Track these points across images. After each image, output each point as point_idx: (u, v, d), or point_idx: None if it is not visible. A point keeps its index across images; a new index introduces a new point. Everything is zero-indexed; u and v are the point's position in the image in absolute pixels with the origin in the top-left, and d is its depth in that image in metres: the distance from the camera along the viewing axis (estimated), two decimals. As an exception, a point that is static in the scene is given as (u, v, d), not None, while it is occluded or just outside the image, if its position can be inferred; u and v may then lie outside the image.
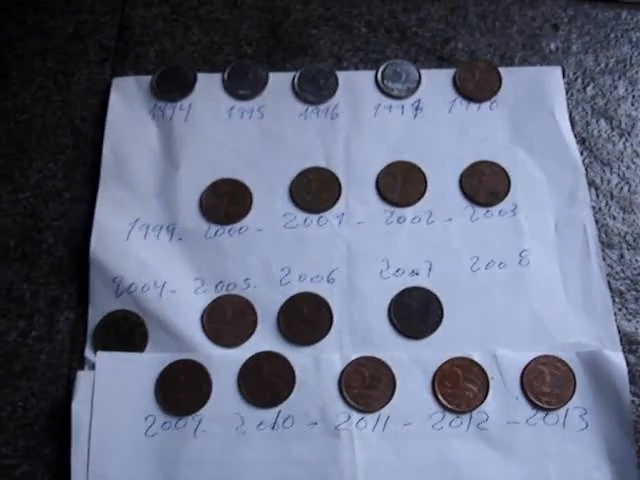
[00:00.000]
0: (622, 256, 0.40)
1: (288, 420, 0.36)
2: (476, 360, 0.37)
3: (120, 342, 0.38)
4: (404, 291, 0.39)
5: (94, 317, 0.39)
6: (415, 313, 0.39)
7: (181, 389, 0.37)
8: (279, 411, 0.36)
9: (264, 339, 0.38)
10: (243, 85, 0.44)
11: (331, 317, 0.39)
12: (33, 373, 0.38)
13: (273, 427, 0.36)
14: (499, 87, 0.44)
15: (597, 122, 0.44)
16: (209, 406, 0.37)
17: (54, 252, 0.41)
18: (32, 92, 0.45)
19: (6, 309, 0.39)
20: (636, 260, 0.40)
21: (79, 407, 0.36)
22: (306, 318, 0.39)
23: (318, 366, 0.37)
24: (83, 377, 0.37)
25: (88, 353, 0.38)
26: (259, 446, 0.36)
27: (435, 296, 0.39)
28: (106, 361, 0.37)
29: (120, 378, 0.37)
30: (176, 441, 0.36)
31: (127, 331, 0.38)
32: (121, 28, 0.47)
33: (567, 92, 0.44)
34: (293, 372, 0.37)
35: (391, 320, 0.39)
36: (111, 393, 0.37)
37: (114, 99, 0.44)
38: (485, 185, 0.42)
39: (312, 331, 0.39)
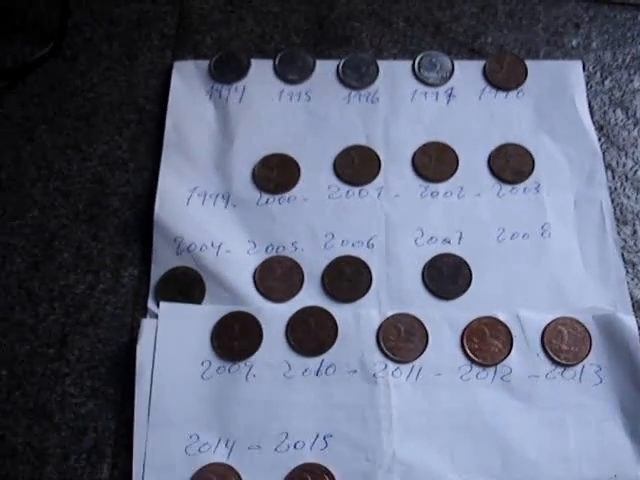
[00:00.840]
0: (635, 232, 0.44)
1: (330, 368, 0.40)
2: (501, 319, 0.41)
3: (180, 295, 0.41)
4: (436, 257, 0.43)
5: (156, 273, 0.42)
6: (446, 276, 0.42)
7: (234, 338, 0.40)
8: (322, 360, 0.40)
9: (309, 296, 0.42)
10: (292, 70, 0.48)
11: (370, 278, 0.42)
12: (100, 322, 0.41)
13: (317, 374, 0.39)
14: (525, 78, 0.48)
15: (614, 112, 0.48)
16: (260, 353, 0.40)
17: (119, 215, 0.44)
18: (99, 72, 0.49)
19: (75, 265, 0.43)
20: (647, 236, 0.44)
21: (143, 351, 0.39)
22: (348, 278, 0.42)
23: (358, 320, 0.41)
24: (147, 324, 0.40)
25: (151, 305, 0.41)
26: (304, 390, 0.39)
27: (465, 262, 0.42)
28: (168, 311, 0.41)
29: (180, 327, 0.40)
30: (229, 384, 0.39)
31: (186, 286, 0.42)
32: (181, 17, 0.51)
33: (587, 84, 0.48)
34: (336, 325, 0.40)
35: (424, 282, 0.42)
36: (172, 340, 0.40)
37: (175, 80, 0.48)
38: (511, 165, 0.45)
39: (353, 290, 0.42)
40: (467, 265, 0.42)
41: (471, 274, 0.42)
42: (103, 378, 0.40)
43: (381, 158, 0.46)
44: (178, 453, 0.38)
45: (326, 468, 0.37)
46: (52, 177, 0.45)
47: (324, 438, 0.38)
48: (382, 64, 0.49)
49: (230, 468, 0.37)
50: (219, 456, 0.38)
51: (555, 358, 0.40)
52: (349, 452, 0.38)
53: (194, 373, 0.39)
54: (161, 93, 0.48)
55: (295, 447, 0.38)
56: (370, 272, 0.42)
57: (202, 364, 0.40)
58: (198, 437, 0.38)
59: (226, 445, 0.38)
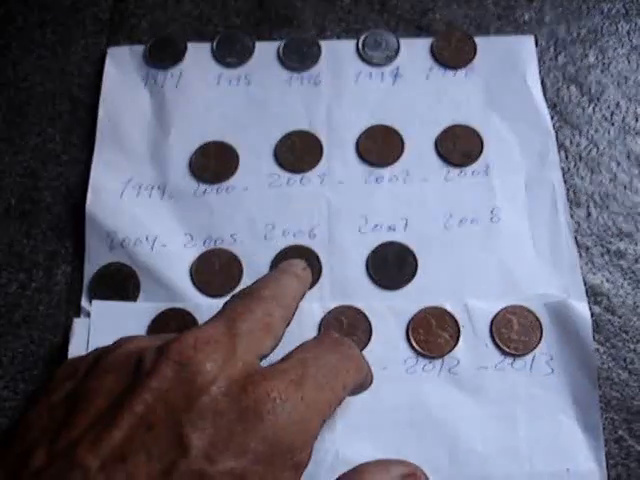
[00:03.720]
0: (589, 214, 0.42)
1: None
2: (448, 309, 0.39)
3: (114, 292, 0.40)
4: (381, 245, 0.41)
5: (89, 270, 0.41)
6: (391, 265, 0.41)
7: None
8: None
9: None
10: (231, 54, 0.46)
11: (320, 270, 0.41)
12: (32, 322, 0.40)
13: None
14: (474, 55, 0.46)
15: (568, 88, 0.46)
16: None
17: (52, 210, 0.43)
18: (31, 62, 0.47)
19: (7, 263, 0.41)
20: (602, 218, 0.42)
21: (75, 352, 0.38)
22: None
23: (299, 314, 0.38)
24: (79, 324, 0.39)
25: (84, 303, 0.40)
26: None
27: (410, 250, 0.41)
28: (100, 309, 0.39)
29: (114, 325, 0.39)
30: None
31: (120, 282, 0.40)
32: (116, 1, 0.48)
33: (539, 60, 0.46)
34: (275, 320, 0.39)
35: (368, 272, 0.41)
36: (105, 339, 0.38)
37: (109, 67, 0.46)
38: (459, 147, 0.43)
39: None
40: (412, 253, 0.41)
41: (417, 263, 0.41)
42: (37, 380, 0.38)
43: (324, 143, 0.44)
44: None
45: (267, 469, 0.36)
46: (-18, 172, 0.44)
47: (264, 438, 0.37)
48: (325, 44, 0.47)
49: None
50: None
51: (504, 348, 0.38)
52: (290, 451, 0.37)
53: None
54: (95, 81, 0.46)
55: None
56: (320, 264, 0.41)
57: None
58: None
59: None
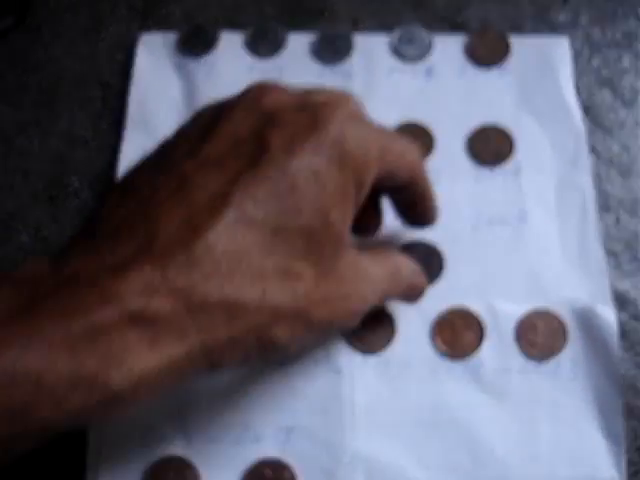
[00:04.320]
0: (618, 220, 0.42)
1: (294, 358, 0.38)
2: (474, 310, 0.39)
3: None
4: (408, 244, 0.41)
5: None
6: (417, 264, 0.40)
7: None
8: (286, 350, 0.39)
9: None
10: (263, 45, 0.46)
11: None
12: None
13: (280, 364, 0.38)
14: (508, 55, 0.45)
15: (601, 92, 0.45)
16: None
17: (80, 195, 0.43)
18: (63, 46, 0.47)
19: (33, 248, 0.41)
20: (632, 224, 0.42)
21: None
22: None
23: None
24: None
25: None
26: (266, 381, 0.37)
27: (437, 249, 0.41)
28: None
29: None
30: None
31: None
32: (149, -13, 0.48)
33: (573, 62, 0.45)
34: (300, 313, 0.39)
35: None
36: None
37: (141, 53, 0.46)
38: (490, 147, 0.43)
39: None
40: (439, 253, 0.41)
41: (443, 262, 0.40)
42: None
43: (354, 138, 0.43)
44: (134, 445, 0.36)
45: (287, 463, 0.36)
46: (11, 154, 0.44)
47: (286, 431, 0.37)
48: (357, 38, 0.46)
49: (187, 461, 0.36)
50: (176, 449, 0.36)
51: (529, 352, 0.38)
52: (311, 447, 0.36)
53: None
54: (126, 67, 0.46)
55: (256, 440, 0.37)
56: None
57: None
58: (155, 428, 0.37)
59: (184, 437, 0.37)
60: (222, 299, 0.26)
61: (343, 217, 0.29)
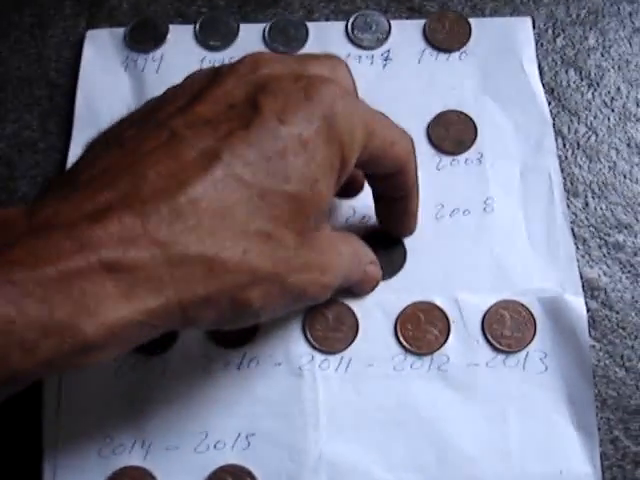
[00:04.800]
0: (587, 204, 0.40)
1: (253, 361, 0.37)
2: (438, 304, 0.38)
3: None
4: (368, 235, 0.39)
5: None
6: (379, 256, 0.39)
7: (149, 331, 0.38)
8: (244, 352, 0.37)
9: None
10: (214, 36, 0.44)
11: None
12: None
13: (239, 367, 0.37)
14: (469, 38, 0.44)
15: (566, 72, 0.44)
16: (177, 347, 0.37)
17: (28, 200, 0.40)
18: (8, 45, 0.45)
19: (-18, 255, 0.40)
20: (600, 208, 0.40)
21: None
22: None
23: None
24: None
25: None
26: (225, 386, 0.36)
27: (399, 242, 0.39)
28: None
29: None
30: (145, 381, 0.37)
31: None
32: (96, -19, 0.47)
33: (537, 43, 0.44)
34: (258, 315, 0.38)
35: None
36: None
37: (87, 51, 0.44)
38: (452, 134, 0.42)
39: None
40: (402, 244, 0.39)
41: (405, 254, 0.39)
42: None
43: (309, 130, 0.42)
44: (91, 455, 0.35)
45: (248, 469, 0.35)
46: (-44, 160, 0.42)
47: (246, 437, 0.36)
48: (312, 26, 0.45)
49: (146, 470, 0.35)
50: (135, 458, 0.35)
51: (496, 345, 0.37)
52: (273, 452, 0.35)
53: (106, 370, 0.37)
54: (74, 66, 0.44)
55: (215, 447, 0.36)
56: None
57: (114, 360, 0.37)
58: (112, 438, 0.36)
59: (142, 446, 0.35)
60: (201, 254, 0.25)
61: (327, 189, 0.29)
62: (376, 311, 0.38)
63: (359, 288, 0.37)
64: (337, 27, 0.45)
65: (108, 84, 0.44)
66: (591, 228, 0.40)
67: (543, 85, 0.43)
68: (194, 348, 0.37)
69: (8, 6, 0.46)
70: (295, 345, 0.37)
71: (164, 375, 0.37)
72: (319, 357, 0.37)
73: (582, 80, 0.43)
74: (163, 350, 0.37)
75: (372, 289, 0.38)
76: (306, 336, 0.37)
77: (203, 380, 0.37)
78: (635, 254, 0.39)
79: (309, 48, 0.44)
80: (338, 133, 0.28)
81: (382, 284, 0.39)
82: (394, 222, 0.38)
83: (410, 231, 0.39)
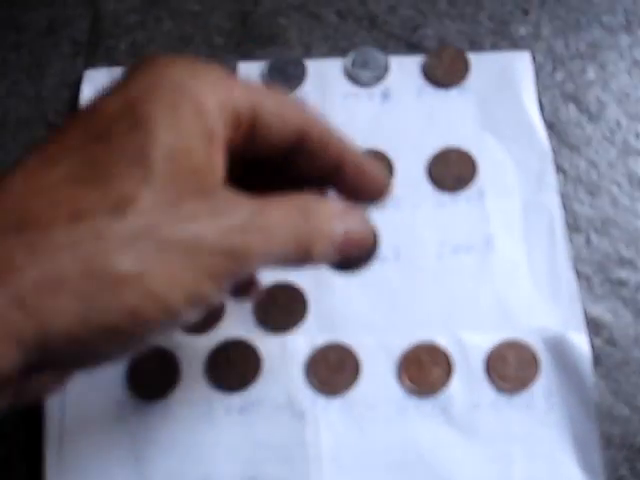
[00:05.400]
0: (589, 240, 0.40)
1: (255, 405, 0.37)
2: (441, 344, 0.38)
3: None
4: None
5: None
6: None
7: (150, 375, 0.37)
8: (246, 396, 0.37)
9: (233, 326, 0.38)
10: (213, 75, 0.44)
11: (305, 303, 0.39)
12: None
13: (241, 411, 0.37)
14: (467, 73, 0.44)
15: (566, 107, 0.43)
16: (178, 392, 0.37)
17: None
18: (6, 86, 0.45)
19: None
20: (603, 244, 0.40)
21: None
22: (281, 305, 0.39)
23: (284, 351, 0.38)
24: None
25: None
26: (227, 430, 0.36)
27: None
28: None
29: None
30: (146, 425, 0.36)
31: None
32: (93, 21, 0.47)
33: (536, 77, 0.44)
34: (260, 357, 0.37)
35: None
36: (81, 379, 0.37)
37: (86, 91, 0.44)
38: (452, 171, 0.41)
39: (286, 318, 0.39)
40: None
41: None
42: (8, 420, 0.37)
43: (310, 168, 0.42)
44: None
45: (251, 515, 0.35)
46: (-44, 202, 0.42)
47: (249, 482, 0.35)
48: (310, 64, 0.45)
49: (148, 517, 0.35)
50: (136, 502, 0.35)
51: (500, 385, 0.37)
52: (276, 496, 0.35)
53: (107, 414, 0.37)
54: (73, 106, 0.44)
55: (217, 492, 0.35)
56: (305, 298, 0.39)
57: (116, 404, 0.37)
58: (113, 481, 0.35)
59: (143, 490, 0.35)
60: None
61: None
62: (378, 352, 0.38)
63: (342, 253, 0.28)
64: (335, 64, 0.45)
65: (106, 125, 0.43)
66: (594, 264, 0.40)
67: (543, 120, 0.43)
68: (195, 392, 0.37)
69: (5, 47, 0.46)
70: (297, 388, 0.37)
71: (165, 420, 0.37)
72: (322, 400, 0.37)
73: (582, 114, 0.43)
74: (163, 395, 0.37)
75: (363, 253, 0.29)
76: (308, 379, 0.37)
77: (204, 424, 0.36)
78: (638, 290, 0.39)
79: (308, 85, 0.44)
80: (191, 105, 0.25)
81: (384, 324, 0.38)
82: (350, 187, 0.31)
83: (380, 192, 0.32)
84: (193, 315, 0.24)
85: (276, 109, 0.27)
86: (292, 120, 0.28)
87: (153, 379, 0.37)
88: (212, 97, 0.25)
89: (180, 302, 0.23)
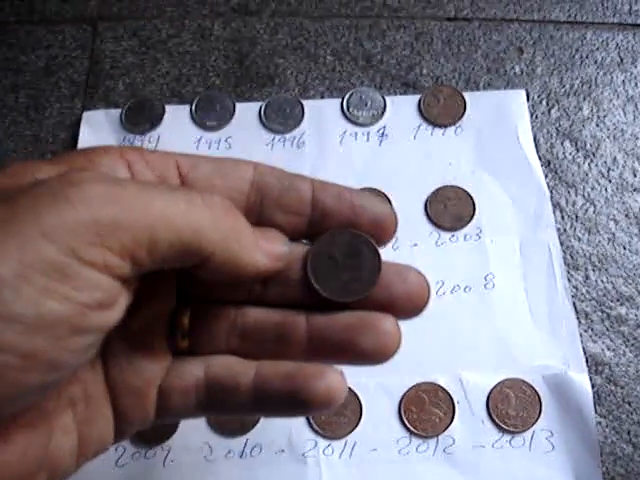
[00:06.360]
0: (587, 277, 0.40)
1: (256, 448, 0.36)
2: (442, 384, 0.37)
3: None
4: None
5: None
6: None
7: (150, 420, 0.37)
8: (246, 440, 0.37)
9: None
10: (210, 116, 0.44)
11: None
12: None
13: (241, 455, 0.36)
14: (464, 112, 0.44)
15: (562, 144, 0.44)
16: (177, 436, 0.37)
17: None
18: (4, 128, 0.45)
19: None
20: (601, 281, 0.40)
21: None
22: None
23: None
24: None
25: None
26: (227, 474, 0.36)
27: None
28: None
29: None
30: (146, 471, 0.36)
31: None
32: (91, 62, 0.47)
33: (532, 114, 0.44)
34: (260, 401, 0.37)
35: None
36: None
37: (84, 132, 0.44)
38: (450, 210, 0.42)
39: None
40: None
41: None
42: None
43: (308, 209, 0.42)
44: None
45: None
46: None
47: (250, 528, 0.35)
48: (308, 104, 0.45)
49: None
50: None
51: (502, 425, 0.36)
52: (277, 542, 0.35)
53: (107, 460, 0.36)
54: (71, 147, 0.44)
55: (218, 540, 0.35)
56: None
57: (115, 450, 0.36)
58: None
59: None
60: None
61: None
62: (379, 394, 0.37)
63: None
64: (332, 104, 0.45)
65: (105, 166, 0.43)
66: (593, 302, 0.40)
67: (539, 157, 0.43)
68: (195, 436, 0.37)
69: (4, 88, 0.46)
70: (298, 431, 0.37)
71: (165, 464, 0.36)
72: (323, 443, 0.37)
73: (578, 151, 0.43)
74: (163, 439, 0.37)
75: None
76: (309, 421, 0.37)
77: (204, 469, 0.36)
78: (638, 326, 0.39)
79: (305, 126, 0.44)
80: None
81: (384, 365, 0.38)
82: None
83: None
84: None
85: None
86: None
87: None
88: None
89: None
